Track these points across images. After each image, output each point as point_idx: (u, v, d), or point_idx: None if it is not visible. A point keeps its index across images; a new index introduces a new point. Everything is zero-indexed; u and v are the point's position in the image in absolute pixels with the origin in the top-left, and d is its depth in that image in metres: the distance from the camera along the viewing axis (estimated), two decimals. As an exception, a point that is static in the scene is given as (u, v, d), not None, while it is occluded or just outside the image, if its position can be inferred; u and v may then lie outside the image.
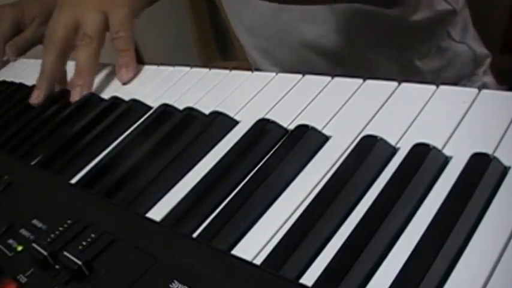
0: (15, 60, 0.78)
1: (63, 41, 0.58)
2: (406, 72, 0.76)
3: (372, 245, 0.27)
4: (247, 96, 0.44)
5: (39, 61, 0.64)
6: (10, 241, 0.37)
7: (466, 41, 0.77)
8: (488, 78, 0.81)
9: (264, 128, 0.40)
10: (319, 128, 0.37)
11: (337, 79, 0.42)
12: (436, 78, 0.76)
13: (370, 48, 0.76)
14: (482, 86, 0.78)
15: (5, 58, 0.78)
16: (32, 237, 0.36)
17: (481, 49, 0.80)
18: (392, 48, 0.75)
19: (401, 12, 0.72)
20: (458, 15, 0.76)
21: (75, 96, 0.56)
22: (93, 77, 0.58)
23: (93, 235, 0.34)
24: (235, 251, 0.31)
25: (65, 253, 0.32)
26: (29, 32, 0.80)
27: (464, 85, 0.77)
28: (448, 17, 0.75)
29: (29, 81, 0.67)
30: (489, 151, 0.30)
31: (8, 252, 0.36)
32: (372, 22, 0.73)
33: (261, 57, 0.86)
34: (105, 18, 0.57)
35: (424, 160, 0.31)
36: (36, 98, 0.59)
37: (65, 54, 0.59)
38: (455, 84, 0.79)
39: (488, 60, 0.81)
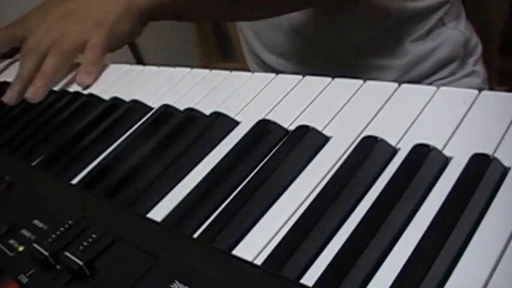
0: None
1: (45, 53, 0.63)
2: (395, 54, 0.76)
3: (373, 245, 0.27)
4: (247, 97, 0.45)
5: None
6: (11, 241, 0.37)
7: (458, 28, 0.78)
8: (479, 68, 0.81)
9: (264, 128, 0.40)
10: (319, 128, 0.37)
11: (337, 80, 0.42)
12: (425, 60, 0.77)
13: (364, 38, 0.76)
14: (472, 73, 0.79)
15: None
16: (33, 237, 0.36)
17: (473, 36, 0.81)
18: (384, 34, 0.76)
19: (398, 5, 0.72)
20: (452, 4, 0.77)
21: (30, 93, 0.62)
22: (50, 83, 0.62)
23: (94, 235, 0.34)
24: (236, 251, 0.31)
25: (66, 253, 0.32)
26: None
27: (454, 71, 0.78)
28: (442, 6, 0.76)
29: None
30: (489, 152, 0.30)
31: (9, 253, 0.36)
32: (368, 15, 0.74)
33: (256, 39, 0.87)
34: (83, 42, 0.62)
35: (424, 161, 0.31)
36: (9, 98, 0.63)
37: (42, 62, 0.63)
38: (444, 66, 0.79)
39: (480, 50, 0.82)
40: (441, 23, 0.77)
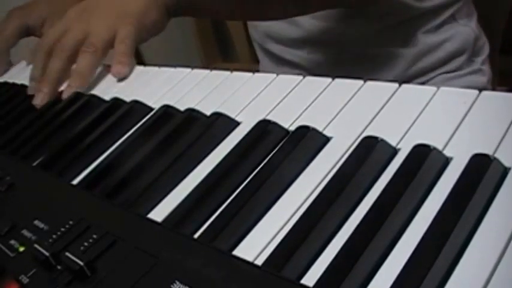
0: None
1: (73, 51, 0.61)
2: (406, 43, 0.77)
3: (373, 245, 0.27)
4: (248, 98, 0.45)
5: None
6: (12, 242, 0.37)
7: (469, 25, 0.80)
8: (486, 68, 0.83)
9: (265, 129, 0.40)
10: (320, 129, 0.37)
11: (338, 80, 0.42)
12: (435, 50, 0.78)
13: (373, 30, 0.78)
14: (478, 71, 0.80)
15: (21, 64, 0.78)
16: (33, 237, 0.36)
17: (481, 36, 0.82)
18: (396, 27, 0.77)
19: (409, 4, 0.74)
20: (463, 4, 0.79)
21: (66, 94, 0.59)
22: (87, 83, 0.60)
23: (94, 236, 0.34)
24: (237, 252, 0.31)
25: (67, 254, 0.32)
26: None
27: (461, 66, 0.79)
28: (453, 4, 0.78)
29: (31, 83, 0.67)
30: (490, 152, 0.30)
31: (10, 253, 0.36)
32: (381, 12, 0.75)
33: (266, 36, 0.87)
34: (112, 36, 0.60)
35: (424, 161, 0.31)
36: (41, 100, 0.61)
37: (71, 63, 0.61)
38: (452, 59, 0.81)
39: (487, 51, 0.83)
40: (453, 19, 0.79)
